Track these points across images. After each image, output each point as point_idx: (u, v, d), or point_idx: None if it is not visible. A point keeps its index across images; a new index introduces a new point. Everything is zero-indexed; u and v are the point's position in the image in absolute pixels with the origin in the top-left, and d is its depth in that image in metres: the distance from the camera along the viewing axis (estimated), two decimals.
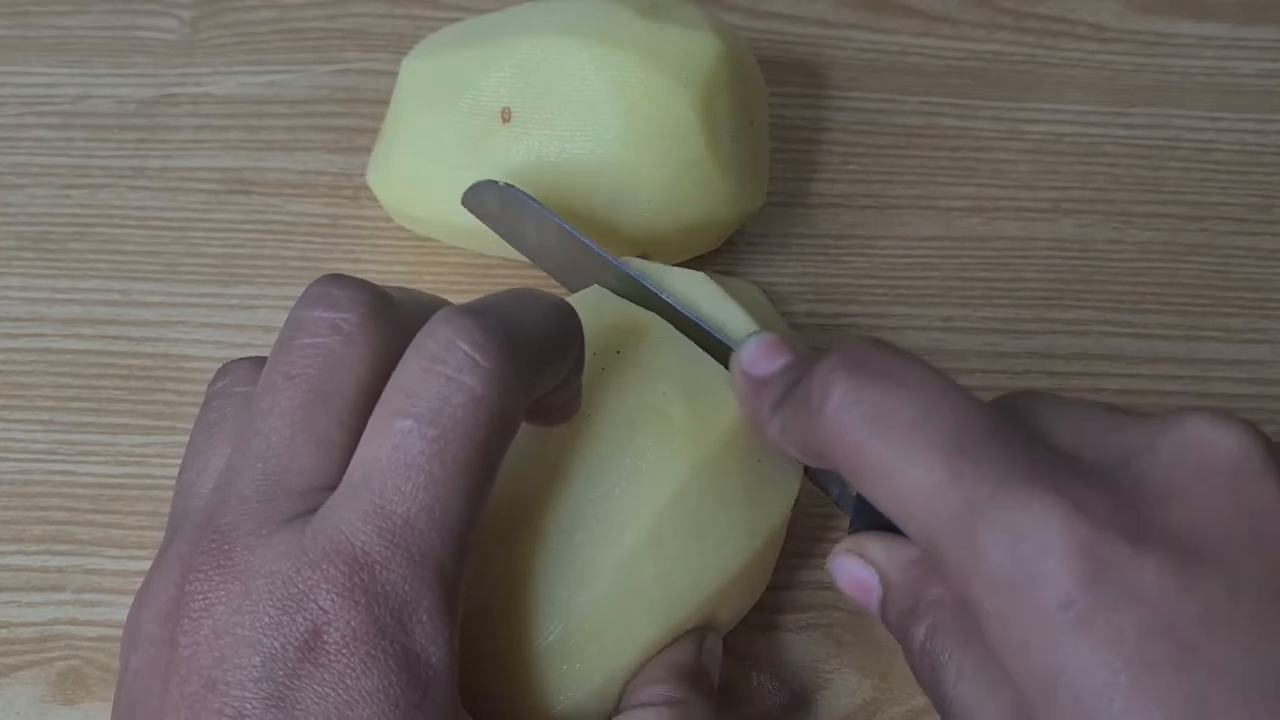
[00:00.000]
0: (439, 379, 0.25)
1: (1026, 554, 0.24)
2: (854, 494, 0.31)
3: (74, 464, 0.38)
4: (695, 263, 0.42)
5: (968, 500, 0.25)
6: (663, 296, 0.34)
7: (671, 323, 0.34)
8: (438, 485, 0.24)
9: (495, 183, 0.36)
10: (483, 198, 0.37)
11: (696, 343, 0.33)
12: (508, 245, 0.39)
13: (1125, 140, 0.47)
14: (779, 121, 0.46)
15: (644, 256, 0.40)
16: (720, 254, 0.43)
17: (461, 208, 0.39)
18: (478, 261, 0.42)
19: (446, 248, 0.43)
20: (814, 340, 0.41)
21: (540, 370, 0.27)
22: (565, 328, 0.28)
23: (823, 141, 0.47)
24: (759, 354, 0.31)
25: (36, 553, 0.37)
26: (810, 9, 0.50)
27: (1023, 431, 0.26)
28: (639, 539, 0.30)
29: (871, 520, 0.30)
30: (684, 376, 0.32)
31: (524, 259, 0.40)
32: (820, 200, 0.45)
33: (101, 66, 0.47)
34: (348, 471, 0.25)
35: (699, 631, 0.31)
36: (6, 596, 0.36)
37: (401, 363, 0.25)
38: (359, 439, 0.25)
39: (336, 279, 0.27)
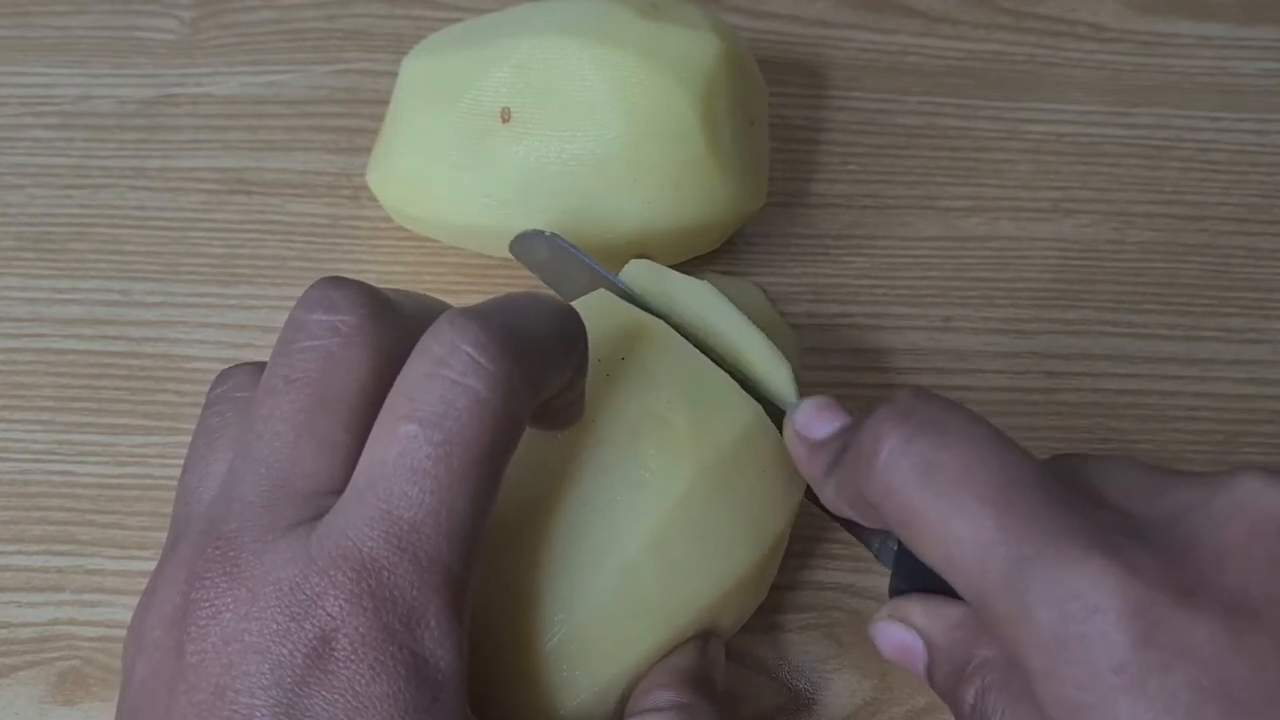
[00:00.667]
0: (443, 382, 0.24)
1: (1077, 614, 0.24)
2: (894, 549, 0.31)
3: (74, 464, 0.38)
4: (695, 263, 0.42)
5: (1018, 557, 0.25)
6: (700, 337, 0.34)
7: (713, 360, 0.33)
8: (444, 489, 0.24)
9: (543, 233, 0.36)
10: (531, 247, 0.37)
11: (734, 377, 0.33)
12: (506, 246, 0.39)
13: (1125, 140, 0.47)
14: (779, 121, 0.46)
15: (644, 257, 0.40)
16: (720, 254, 0.43)
17: (461, 208, 0.39)
18: (477, 261, 0.42)
19: (446, 248, 0.43)
20: (813, 340, 0.41)
21: (544, 373, 0.26)
22: (569, 331, 0.28)
23: (823, 142, 0.47)
24: (814, 417, 0.31)
25: (37, 553, 0.37)
26: (810, 9, 0.50)
27: (1072, 487, 0.26)
28: (642, 545, 0.30)
29: (911, 577, 0.30)
30: (689, 383, 0.32)
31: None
32: (820, 200, 0.45)
33: (101, 67, 0.47)
34: (353, 476, 0.25)
35: (702, 637, 0.31)
36: (7, 597, 0.36)
37: (406, 366, 0.25)
38: (363, 442, 0.25)
39: (335, 281, 0.27)
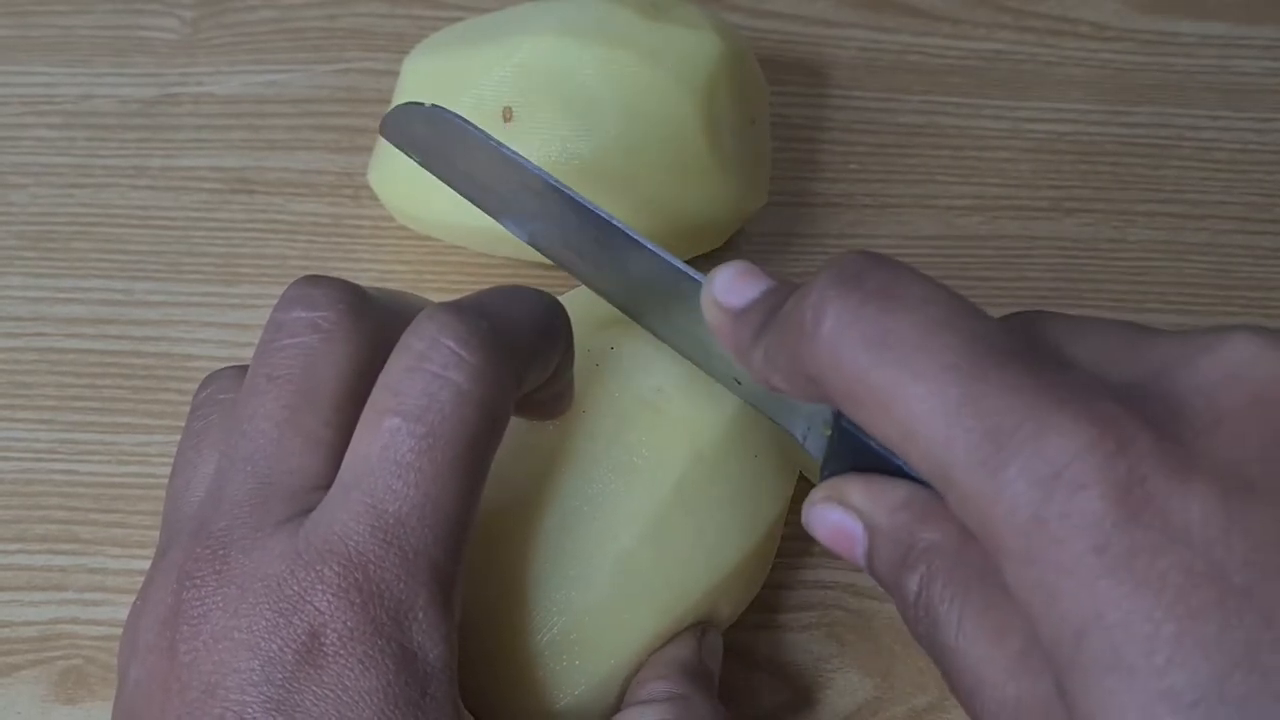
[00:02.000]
0: (425, 376, 0.25)
1: (1059, 491, 0.21)
2: (826, 435, 0.28)
3: (76, 463, 0.38)
4: (696, 262, 0.42)
5: (989, 429, 0.22)
6: (599, 213, 0.31)
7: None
8: (428, 483, 0.24)
9: (421, 105, 0.32)
10: (406, 125, 0.33)
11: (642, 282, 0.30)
12: (509, 245, 0.39)
13: (1127, 139, 0.47)
14: (780, 121, 0.46)
15: None
16: (721, 253, 0.43)
17: (463, 207, 0.39)
18: (479, 261, 0.42)
19: (448, 247, 0.43)
20: None
21: (527, 364, 0.27)
22: (551, 321, 0.28)
23: (824, 141, 0.47)
24: (733, 281, 0.27)
25: (39, 552, 0.37)
26: (811, 8, 0.50)
27: (1042, 349, 0.24)
28: (636, 534, 0.30)
29: (848, 462, 0.27)
30: (679, 371, 0.32)
31: (525, 258, 0.40)
32: (822, 199, 0.45)
33: (103, 66, 0.47)
34: (339, 472, 0.25)
35: (699, 627, 0.31)
36: (9, 595, 0.36)
37: (388, 362, 0.25)
38: (348, 438, 0.25)
39: (313, 279, 0.27)
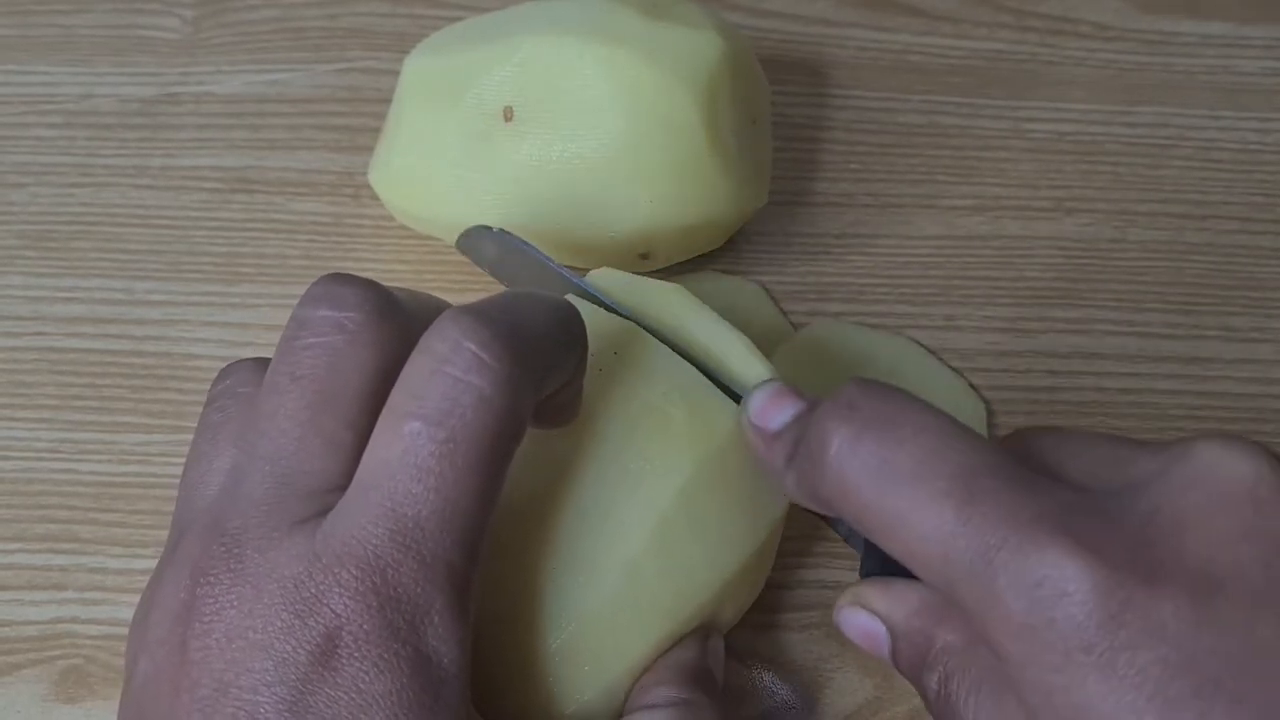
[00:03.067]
0: (447, 380, 0.24)
1: (1044, 599, 0.24)
2: (863, 537, 0.30)
3: (76, 462, 0.38)
4: (697, 262, 0.42)
5: (981, 548, 0.25)
6: (662, 333, 0.33)
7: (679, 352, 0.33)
8: (448, 487, 0.24)
9: (490, 229, 0.36)
10: (478, 244, 0.37)
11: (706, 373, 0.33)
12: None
13: (1127, 139, 0.47)
14: (781, 120, 0.46)
15: (646, 256, 0.40)
16: (722, 253, 0.43)
17: (463, 206, 0.39)
18: None
19: (448, 246, 0.43)
20: None
21: (547, 370, 0.26)
22: (570, 328, 0.28)
23: (825, 140, 0.47)
24: (767, 405, 0.30)
25: (39, 551, 0.37)
26: (812, 8, 0.50)
27: (1029, 468, 0.26)
28: (643, 539, 0.30)
29: (882, 559, 0.30)
30: (683, 376, 0.32)
31: None
32: (822, 199, 0.45)
33: (104, 65, 0.47)
34: (357, 474, 0.25)
35: (702, 631, 0.31)
36: (9, 595, 0.36)
37: (408, 364, 0.25)
38: (366, 439, 0.25)
39: (340, 277, 0.27)
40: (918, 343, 0.41)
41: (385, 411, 0.25)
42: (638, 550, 0.30)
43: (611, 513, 0.30)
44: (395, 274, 0.42)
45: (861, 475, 0.26)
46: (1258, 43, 0.50)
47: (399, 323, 0.26)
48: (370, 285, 0.27)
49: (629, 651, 0.30)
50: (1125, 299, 0.43)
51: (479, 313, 0.25)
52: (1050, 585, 0.24)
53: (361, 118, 0.46)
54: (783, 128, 0.46)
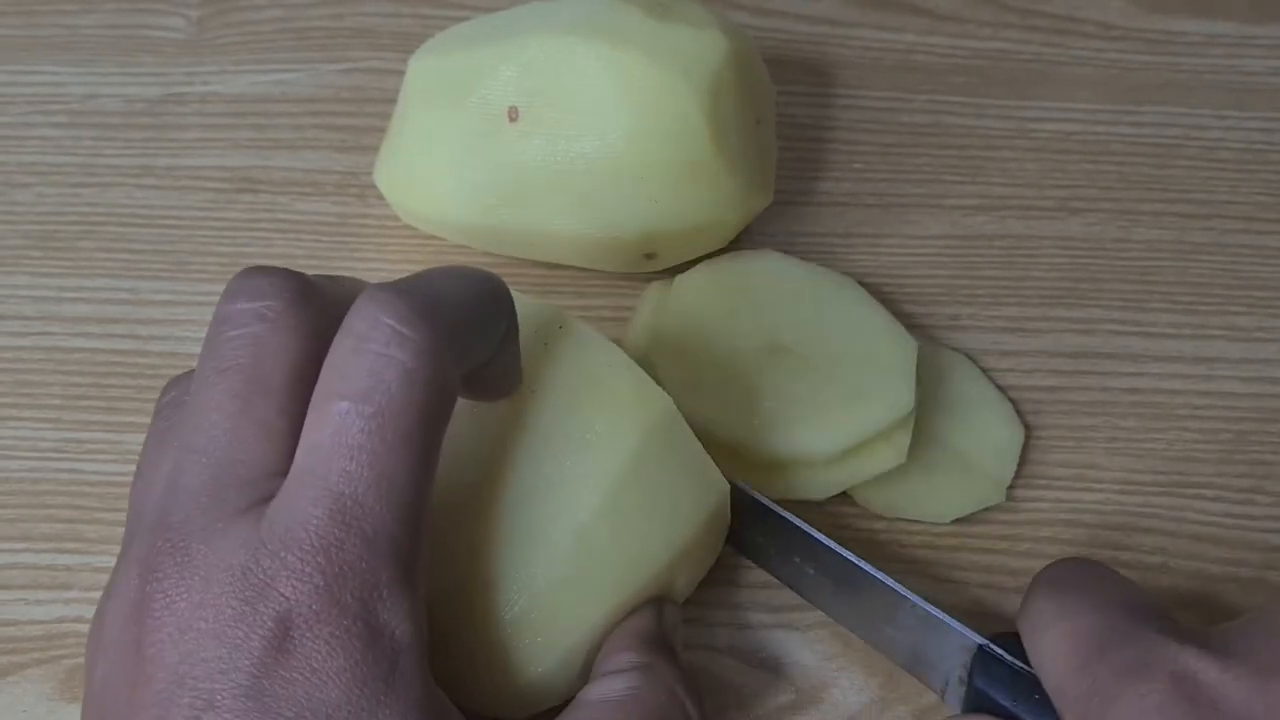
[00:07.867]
0: (369, 356, 0.25)
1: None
2: (961, 688, 0.33)
3: (82, 462, 0.39)
4: (700, 261, 0.42)
5: (1093, 687, 0.28)
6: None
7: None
8: (381, 462, 0.25)
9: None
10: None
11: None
12: (513, 243, 0.39)
13: (1133, 139, 0.47)
14: (786, 120, 0.46)
15: (651, 257, 0.40)
16: (726, 252, 0.43)
17: (468, 206, 0.39)
18: (484, 260, 0.42)
19: (453, 246, 0.43)
20: None
21: (470, 338, 0.27)
22: (491, 294, 0.28)
23: (830, 140, 0.47)
24: None
25: (44, 551, 0.37)
26: (817, 8, 0.50)
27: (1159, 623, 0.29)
28: (593, 509, 0.30)
29: (973, 704, 0.32)
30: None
31: (529, 256, 0.41)
32: (827, 199, 0.45)
33: (109, 66, 0.47)
34: (295, 459, 0.25)
35: (657, 601, 0.32)
36: (14, 595, 0.36)
37: (333, 346, 0.26)
38: (301, 425, 0.25)
39: (256, 269, 0.27)
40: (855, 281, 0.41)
41: (315, 394, 0.25)
42: (587, 520, 0.30)
43: (559, 484, 0.30)
44: (400, 274, 0.42)
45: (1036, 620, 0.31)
46: (1264, 42, 0.50)
47: (319, 307, 0.27)
48: (286, 273, 0.27)
49: (583, 621, 0.30)
50: (1130, 299, 0.43)
51: (396, 289, 0.26)
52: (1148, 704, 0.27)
53: (366, 118, 0.46)
54: (787, 127, 0.46)
